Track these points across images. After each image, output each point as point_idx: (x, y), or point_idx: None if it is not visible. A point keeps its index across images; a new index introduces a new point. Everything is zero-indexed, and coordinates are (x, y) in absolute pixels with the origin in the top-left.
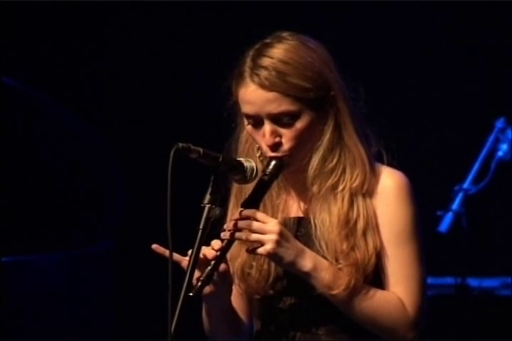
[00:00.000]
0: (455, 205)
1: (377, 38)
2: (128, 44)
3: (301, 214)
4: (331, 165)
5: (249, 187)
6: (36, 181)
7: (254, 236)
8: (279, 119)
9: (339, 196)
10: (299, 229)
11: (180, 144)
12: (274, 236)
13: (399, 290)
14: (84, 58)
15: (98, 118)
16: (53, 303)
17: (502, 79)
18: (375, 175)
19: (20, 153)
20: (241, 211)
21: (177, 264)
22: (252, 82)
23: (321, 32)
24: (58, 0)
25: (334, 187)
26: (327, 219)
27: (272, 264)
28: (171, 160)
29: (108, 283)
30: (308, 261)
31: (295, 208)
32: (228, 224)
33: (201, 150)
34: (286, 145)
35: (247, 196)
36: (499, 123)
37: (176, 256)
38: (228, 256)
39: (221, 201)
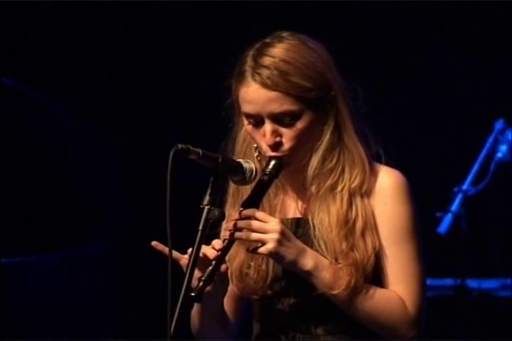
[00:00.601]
0: (454, 207)
1: (376, 37)
2: (128, 44)
3: (298, 215)
4: (330, 166)
5: (246, 188)
6: (36, 181)
7: (256, 236)
8: (280, 119)
9: (338, 196)
10: (297, 230)
11: (180, 145)
12: (275, 236)
13: (399, 288)
14: (84, 58)
15: (98, 118)
16: (53, 303)
17: (502, 80)
18: (373, 174)
19: (20, 154)
20: (241, 211)
21: (176, 262)
22: (254, 81)
23: (320, 32)
24: (58, 0)
25: (333, 187)
26: (326, 219)
27: (270, 264)
28: (170, 161)
29: (108, 283)
30: (309, 260)
31: (293, 208)
32: (228, 224)
33: (200, 151)
34: (286, 144)
35: (244, 196)
36: (498, 125)
37: (175, 253)
38: (226, 256)
39: (220, 202)
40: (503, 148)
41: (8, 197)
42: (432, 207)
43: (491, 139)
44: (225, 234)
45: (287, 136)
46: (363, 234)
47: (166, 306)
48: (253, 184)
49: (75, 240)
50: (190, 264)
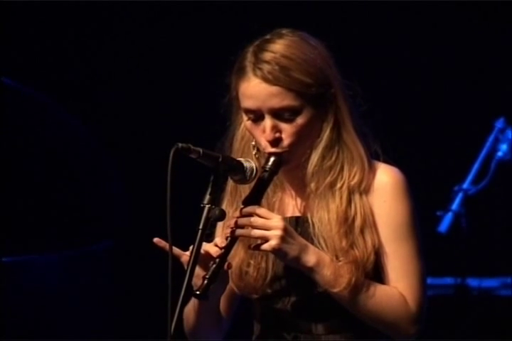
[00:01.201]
0: (455, 205)
1: (376, 37)
2: (128, 44)
3: (297, 213)
4: (329, 163)
5: (244, 186)
6: (36, 181)
7: (259, 233)
8: (280, 114)
9: (337, 193)
10: (297, 229)
11: (180, 144)
12: (278, 232)
13: (400, 285)
14: (84, 58)
15: (98, 118)
16: (53, 303)
17: (502, 80)
18: (371, 172)
19: (20, 153)
20: (242, 208)
21: (177, 259)
22: (255, 76)
23: (320, 30)
24: (58, 0)
25: (332, 184)
26: (325, 216)
27: (270, 263)
28: (170, 160)
29: (108, 283)
30: (312, 256)
31: (291, 206)
32: (230, 222)
33: (201, 150)
34: (286, 140)
35: (243, 194)
36: (499, 124)
37: (176, 250)
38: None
39: (220, 201)
40: (504, 147)
41: (8, 197)
42: (433, 206)
43: (491, 138)
44: (226, 231)
45: (287, 132)
46: (362, 232)
47: (166, 306)
48: (253, 183)
49: (75, 240)
50: (191, 263)
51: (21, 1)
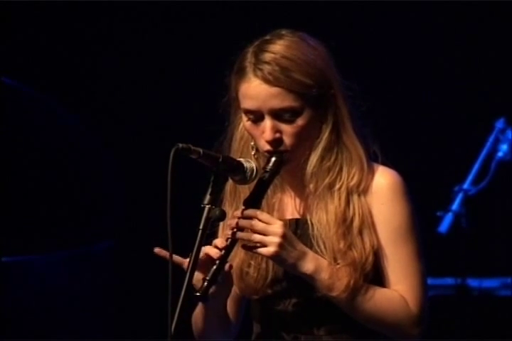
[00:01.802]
0: (455, 206)
1: (376, 37)
2: (128, 44)
3: (297, 214)
4: (328, 164)
5: (243, 186)
6: (36, 181)
7: (258, 238)
8: (280, 115)
9: (336, 194)
10: (297, 231)
11: (180, 145)
12: (277, 239)
13: (400, 287)
14: (84, 58)
15: (98, 118)
16: (53, 303)
17: (502, 80)
18: (370, 173)
19: (20, 153)
20: (243, 210)
21: (179, 266)
22: (256, 76)
23: (320, 31)
24: (58, 0)
25: (331, 185)
26: (324, 217)
27: (270, 263)
28: (170, 160)
29: (108, 283)
30: (310, 263)
31: (291, 207)
32: (231, 221)
33: (201, 150)
34: (286, 141)
35: (242, 194)
36: (499, 124)
37: (178, 258)
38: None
39: (221, 201)
40: (504, 147)
41: (8, 197)
42: (433, 207)
43: (491, 138)
44: (227, 232)
45: (287, 133)
46: (360, 233)
47: (166, 306)
48: (252, 183)
49: (75, 240)
50: (191, 264)
51: (21, 1)
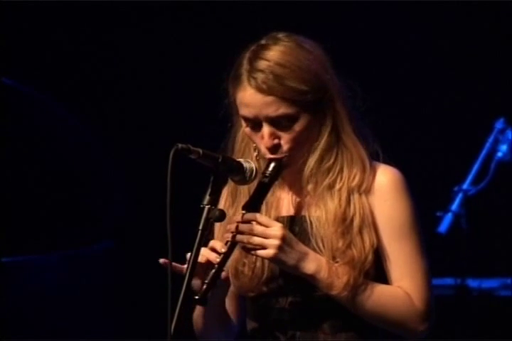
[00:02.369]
0: (454, 206)
1: (375, 37)
2: (128, 44)
3: (293, 212)
4: (328, 165)
5: (244, 187)
6: (36, 181)
7: (257, 240)
8: (278, 122)
9: (336, 194)
10: (293, 228)
11: (180, 145)
12: (276, 242)
13: (405, 284)
14: (84, 58)
15: (98, 118)
16: (53, 303)
17: (502, 80)
18: (371, 173)
19: (20, 153)
20: (243, 214)
21: (179, 272)
22: (250, 85)
23: (318, 31)
24: (58, 0)
25: (331, 186)
26: (323, 216)
27: (265, 261)
28: (170, 160)
29: (108, 283)
30: (311, 264)
31: (290, 206)
32: (230, 226)
33: (201, 150)
34: (284, 146)
35: (243, 195)
36: (499, 124)
37: (179, 266)
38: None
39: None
40: (504, 147)
41: (8, 197)
42: (432, 207)
43: (491, 139)
44: (227, 235)
45: (285, 139)
46: (360, 232)
47: (166, 306)
48: (252, 184)
49: (75, 240)
50: (191, 264)
51: (21, 1)
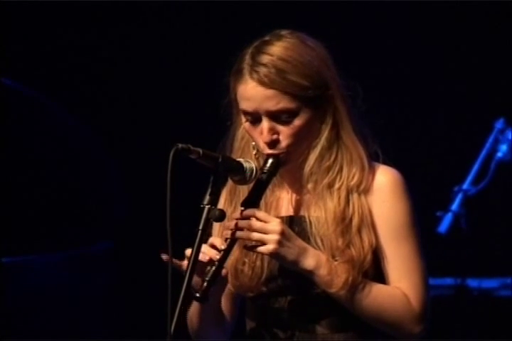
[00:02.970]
0: (454, 206)
1: (376, 37)
2: (128, 44)
3: (293, 212)
4: (328, 163)
5: (243, 186)
6: (36, 181)
7: (257, 236)
8: (278, 116)
9: (335, 194)
10: (293, 227)
11: (180, 145)
12: (276, 236)
13: (402, 284)
14: (84, 58)
15: (98, 118)
16: (53, 303)
17: (501, 80)
18: (370, 172)
19: (20, 154)
20: (242, 210)
21: (177, 268)
22: (252, 78)
23: (320, 30)
24: (58, 0)
25: (330, 185)
26: (322, 215)
27: (265, 261)
28: (170, 160)
29: (108, 283)
30: (311, 259)
31: (289, 206)
32: (229, 223)
33: (201, 150)
34: (283, 142)
35: (242, 194)
36: (499, 124)
37: (176, 262)
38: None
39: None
40: (503, 147)
41: (8, 197)
42: (432, 207)
43: (491, 139)
44: (226, 232)
45: (284, 134)
46: (359, 231)
47: (166, 306)
48: (252, 183)
49: (75, 240)
50: (191, 264)
51: (21, 1)
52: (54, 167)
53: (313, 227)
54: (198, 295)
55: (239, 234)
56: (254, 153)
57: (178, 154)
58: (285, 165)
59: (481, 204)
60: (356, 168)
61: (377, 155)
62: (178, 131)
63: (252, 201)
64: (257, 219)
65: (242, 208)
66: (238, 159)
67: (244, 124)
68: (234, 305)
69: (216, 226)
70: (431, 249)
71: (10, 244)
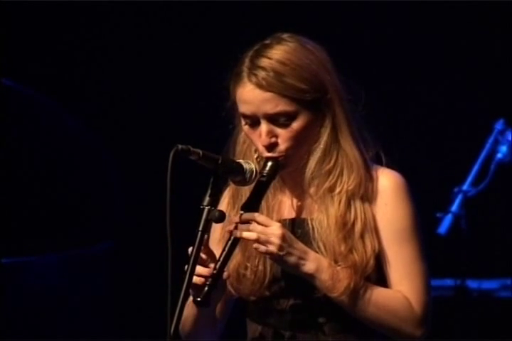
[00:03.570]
0: (454, 207)
1: (376, 39)
2: (128, 44)
3: (296, 216)
4: (328, 167)
5: (245, 188)
6: (36, 181)
7: (258, 236)
8: (276, 119)
9: (336, 198)
10: (296, 230)
11: (180, 146)
12: (276, 240)
13: (404, 288)
14: (84, 59)
15: (98, 118)
16: (53, 303)
17: (501, 81)
18: (371, 177)
19: (20, 154)
20: (241, 214)
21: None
22: (250, 81)
23: (321, 33)
24: (58, 0)
25: (331, 189)
26: (325, 221)
27: (268, 265)
28: (170, 161)
29: (108, 283)
30: (311, 263)
31: (291, 209)
32: (229, 227)
33: (201, 152)
34: (282, 145)
35: (243, 197)
36: (499, 125)
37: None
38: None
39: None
40: (503, 148)
41: (8, 197)
42: (432, 208)
43: (491, 140)
44: (227, 236)
45: (283, 137)
46: (362, 237)
47: (166, 306)
48: (252, 185)
49: (75, 240)
50: (191, 265)
51: (21, 1)
52: (54, 167)
53: (316, 232)
54: (199, 299)
55: (245, 234)
56: (255, 156)
57: (178, 155)
58: (285, 169)
59: (481, 205)
60: (355, 172)
61: (380, 158)
62: (178, 131)
63: (252, 204)
64: (258, 223)
65: (242, 212)
66: (238, 160)
67: (244, 127)
68: (227, 307)
69: (215, 227)
70: (430, 250)
71: (10, 244)
